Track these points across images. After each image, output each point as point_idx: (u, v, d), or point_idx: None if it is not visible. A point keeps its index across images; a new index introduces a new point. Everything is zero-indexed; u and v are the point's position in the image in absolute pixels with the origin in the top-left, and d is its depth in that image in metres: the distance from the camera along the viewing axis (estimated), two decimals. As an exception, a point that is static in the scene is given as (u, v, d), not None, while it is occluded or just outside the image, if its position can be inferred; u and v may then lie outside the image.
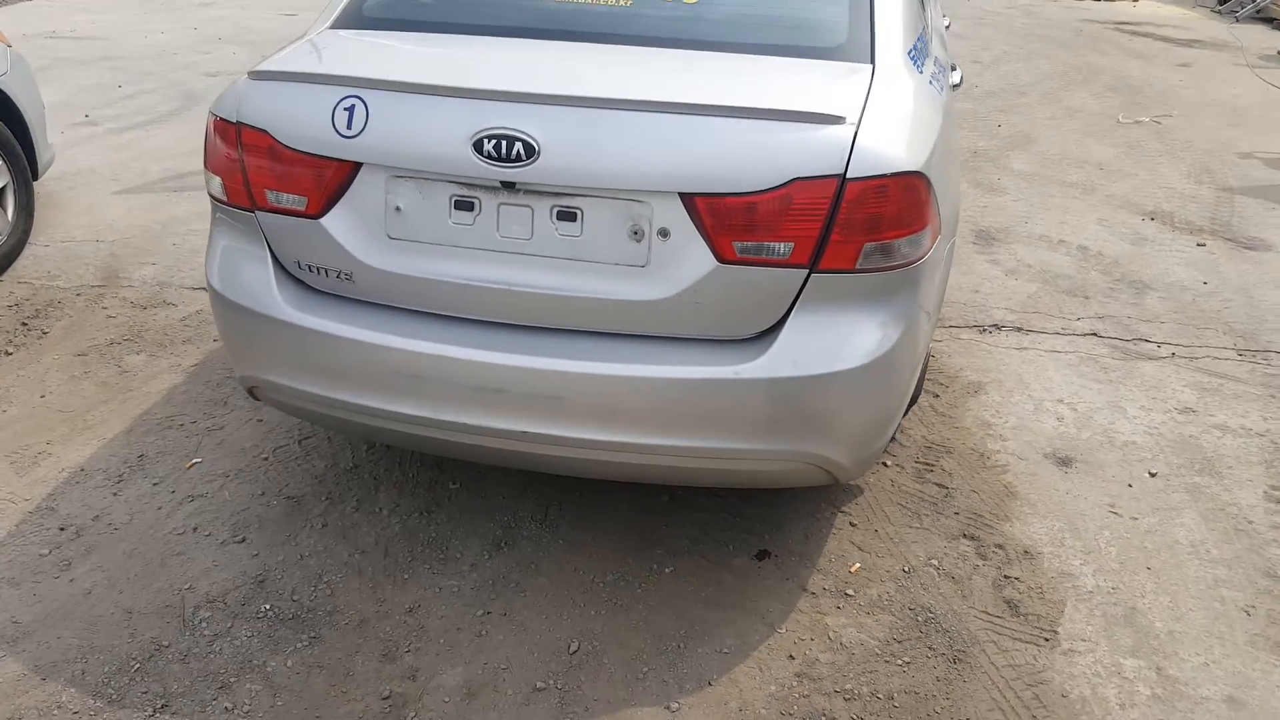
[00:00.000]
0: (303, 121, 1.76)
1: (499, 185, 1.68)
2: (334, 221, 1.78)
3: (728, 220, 1.62)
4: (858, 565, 2.08)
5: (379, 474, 2.35)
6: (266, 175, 1.80)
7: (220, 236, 1.96)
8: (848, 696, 1.78)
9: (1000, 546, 2.15)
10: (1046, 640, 1.91)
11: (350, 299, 1.84)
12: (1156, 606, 2.01)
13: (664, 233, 1.65)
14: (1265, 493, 2.37)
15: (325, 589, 1.98)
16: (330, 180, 1.76)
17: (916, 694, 1.78)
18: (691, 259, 1.65)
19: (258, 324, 1.86)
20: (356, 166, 1.73)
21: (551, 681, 1.80)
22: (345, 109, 1.72)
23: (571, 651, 1.85)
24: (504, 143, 1.62)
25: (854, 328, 1.69)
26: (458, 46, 1.96)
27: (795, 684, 1.79)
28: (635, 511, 2.21)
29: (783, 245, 1.62)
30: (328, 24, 2.08)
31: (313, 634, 1.87)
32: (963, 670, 1.84)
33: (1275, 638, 1.94)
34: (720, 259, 1.64)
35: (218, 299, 1.92)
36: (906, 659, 1.86)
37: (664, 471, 1.83)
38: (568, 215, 1.68)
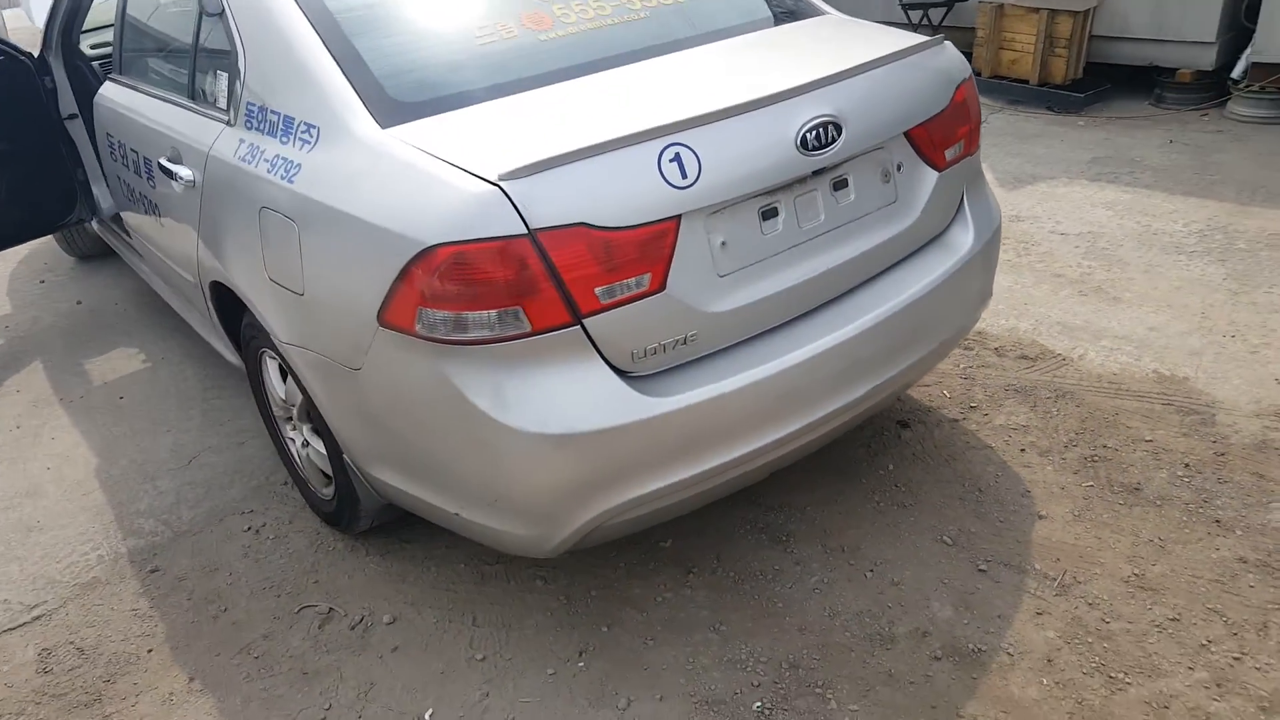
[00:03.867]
0: (628, 192, 1.60)
1: (805, 177, 1.82)
2: (677, 286, 1.68)
3: (935, 138, 2.06)
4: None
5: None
6: (592, 271, 1.59)
7: (498, 373, 1.62)
8: None
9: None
10: None
11: (686, 363, 1.77)
12: None
13: (899, 167, 2.02)
14: None
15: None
16: (667, 243, 1.65)
17: None
18: (922, 179, 2.06)
19: (612, 442, 1.66)
20: (679, 218, 1.67)
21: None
22: (671, 159, 1.63)
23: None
24: (821, 130, 1.78)
25: (990, 195, 2.33)
26: (619, 82, 1.92)
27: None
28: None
29: (961, 142, 2.14)
30: (432, 114, 1.79)
31: None
32: None
33: None
34: (938, 170, 2.08)
35: (540, 442, 1.62)
36: None
37: (909, 379, 2.21)
38: (841, 184, 1.92)
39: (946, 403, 2.73)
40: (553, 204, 1.56)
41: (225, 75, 2.14)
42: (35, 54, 3.52)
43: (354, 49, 1.91)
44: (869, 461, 2.50)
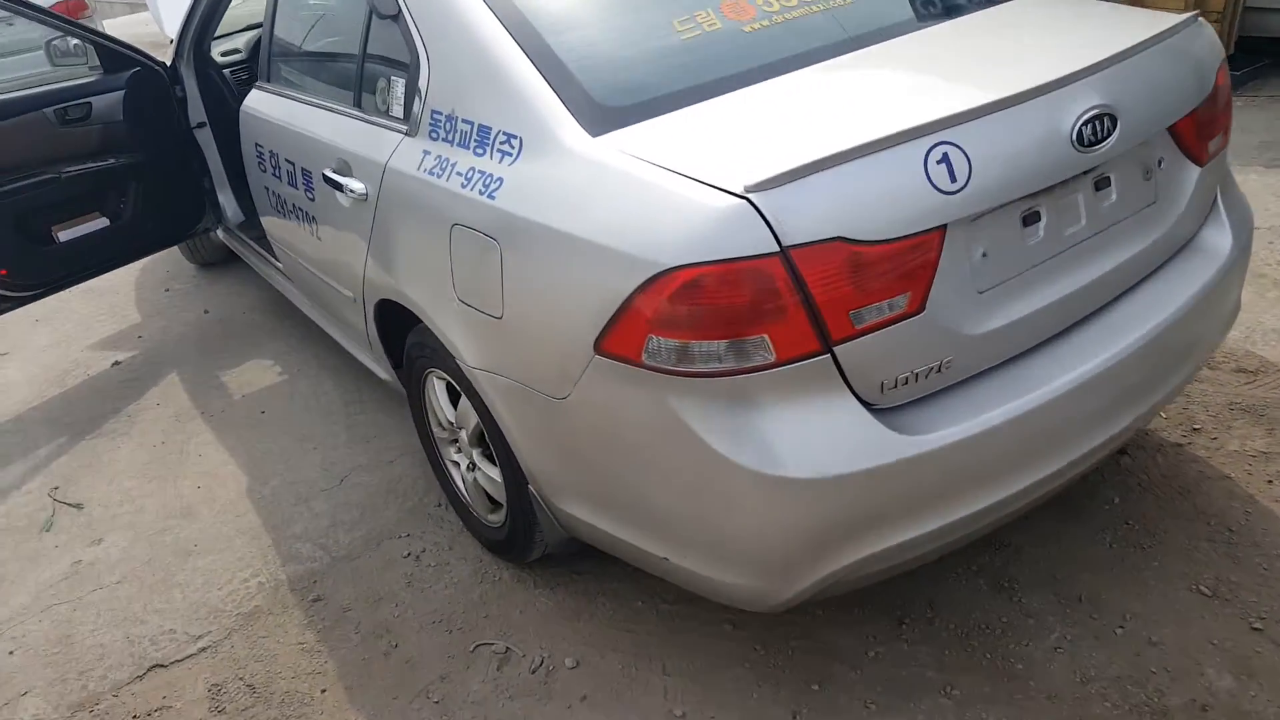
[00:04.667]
0: (891, 200, 1.42)
1: (1073, 177, 1.61)
2: (937, 306, 1.49)
3: (1198, 129, 1.82)
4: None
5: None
6: (847, 292, 1.41)
7: (734, 408, 1.45)
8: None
9: None
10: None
11: (935, 393, 1.57)
12: None
13: (1160, 162, 1.78)
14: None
15: None
16: (930, 257, 1.46)
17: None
18: (1184, 176, 1.82)
19: (865, 487, 1.47)
20: (944, 228, 1.47)
21: None
22: (939, 160, 1.44)
23: None
24: (1096, 123, 1.56)
25: (1241, 192, 2.07)
26: (847, 74, 1.74)
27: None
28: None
29: (1221, 133, 1.89)
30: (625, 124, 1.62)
31: None
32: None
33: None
34: (1200, 165, 1.84)
35: (782, 487, 1.44)
36: None
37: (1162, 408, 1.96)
38: (1103, 183, 1.69)
39: (1164, 425, 2.46)
40: (807, 217, 1.39)
41: (401, 82, 2.03)
42: (168, 62, 3.51)
43: (549, 49, 1.76)
44: (1088, 494, 2.26)
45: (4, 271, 3.18)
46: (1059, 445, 1.65)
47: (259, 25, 4.26)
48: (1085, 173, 1.64)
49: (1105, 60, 1.62)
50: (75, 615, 2.33)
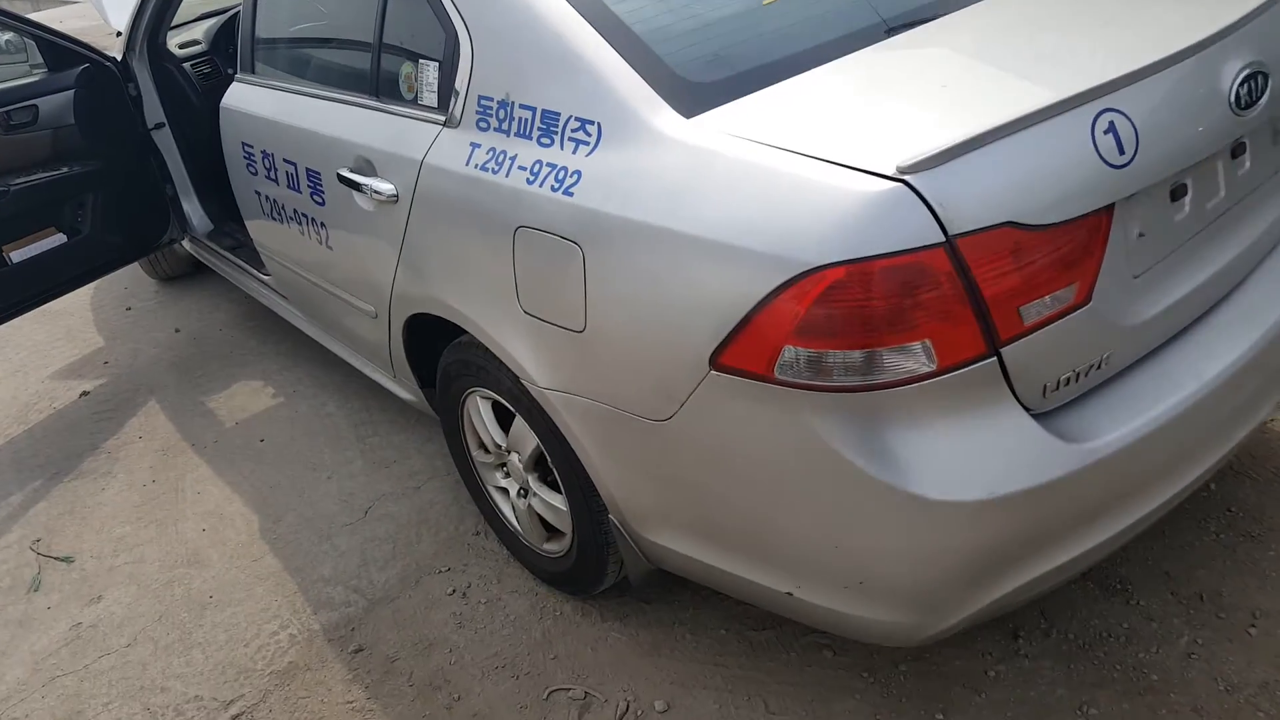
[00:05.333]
0: (1058, 177, 1.25)
1: (1224, 146, 1.46)
2: (1102, 295, 1.34)
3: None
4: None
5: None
6: (1015, 285, 1.25)
7: (884, 424, 1.28)
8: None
9: None
10: None
11: (1089, 392, 1.42)
12: None
13: (1289, 126, 1.65)
14: None
15: None
16: (1098, 241, 1.31)
17: None
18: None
19: (1036, 504, 1.31)
20: (1113, 208, 1.31)
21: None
22: (1105, 130, 1.27)
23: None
24: (1251, 83, 1.42)
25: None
26: (970, 34, 1.57)
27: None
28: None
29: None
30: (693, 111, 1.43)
31: None
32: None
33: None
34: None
35: (947, 512, 1.28)
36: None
37: None
38: (1239, 149, 1.55)
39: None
40: (973, 201, 1.21)
41: (433, 66, 1.80)
42: (118, 58, 3.20)
43: (618, 19, 1.56)
44: (1184, 480, 2.15)
45: None
46: (1213, 440, 1.52)
47: (217, 12, 3.95)
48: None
49: (1253, 11, 1.48)
50: (84, 687, 2.08)
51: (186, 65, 3.54)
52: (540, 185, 1.54)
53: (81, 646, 2.19)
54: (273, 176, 2.38)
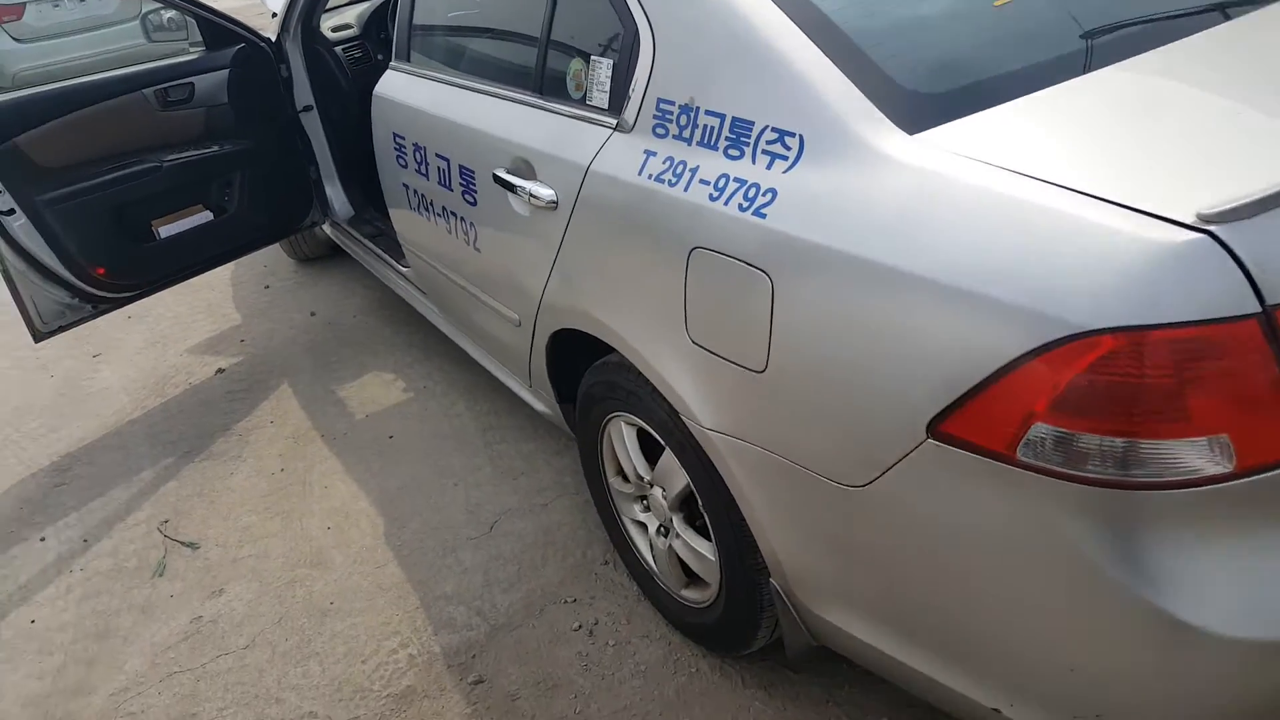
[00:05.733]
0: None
1: None
2: None
3: None
4: None
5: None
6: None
7: (1158, 534, 1.03)
8: None
9: None
10: None
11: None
12: None
13: None
14: None
15: None
16: None
17: None
18: None
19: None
20: None
21: None
22: None
23: None
24: None
25: None
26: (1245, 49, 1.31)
27: None
28: None
29: None
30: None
31: None
32: None
33: None
34: None
35: (1234, 651, 1.02)
36: None
37: None
38: None
39: None
40: (1297, 257, 0.96)
41: (607, 63, 1.64)
42: (272, 39, 3.19)
43: (826, 18, 1.36)
44: None
45: (101, 270, 2.90)
46: None
47: (366, -3, 3.93)
48: None
49: None
50: (200, 688, 2.03)
51: (338, 49, 3.51)
52: (725, 203, 1.36)
53: (200, 642, 2.15)
54: (423, 171, 2.27)
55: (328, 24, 3.67)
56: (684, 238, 1.43)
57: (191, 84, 2.98)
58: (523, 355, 2.16)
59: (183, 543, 2.47)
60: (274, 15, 3.49)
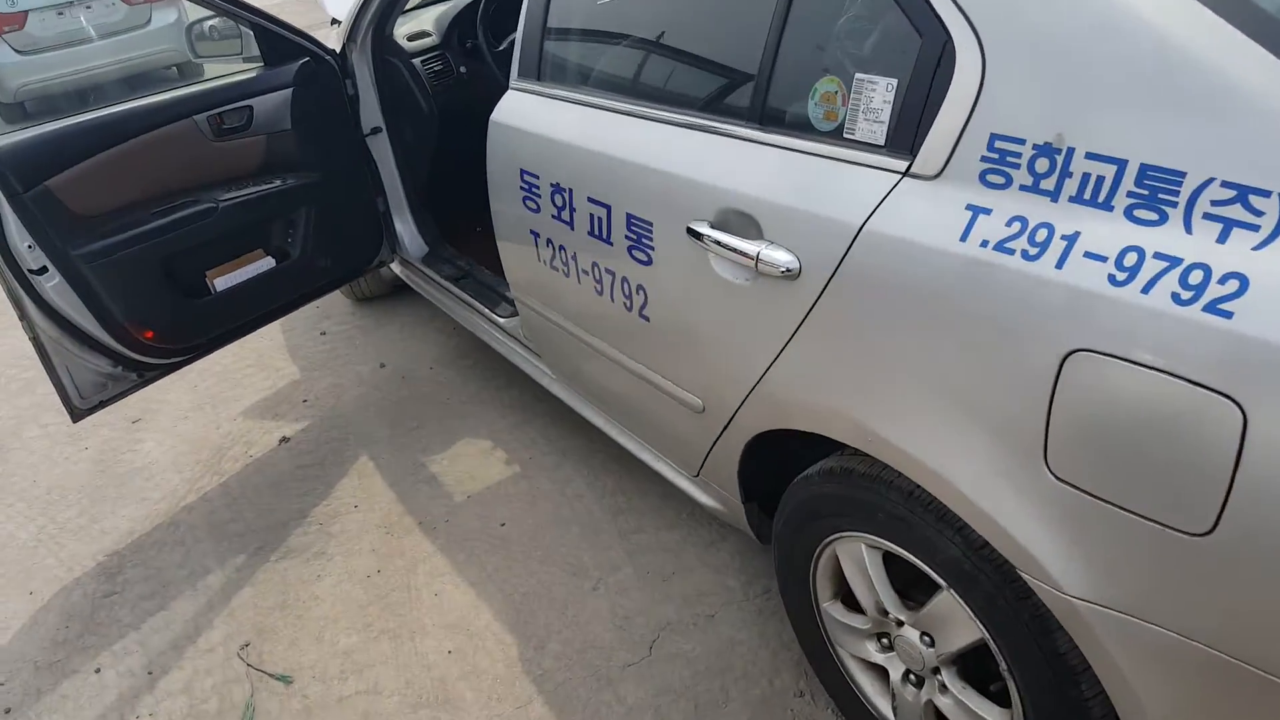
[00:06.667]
0: None
1: None
2: None
3: None
4: None
5: None
6: None
7: None
8: None
9: None
10: None
11: None
12: None
13: None
14: None
15: None
16: None
17: None
18: None
19: None
20: None
21: None
22: None
23: None
24: None
25: None
26: None
27: None
28: None
29: None
30: None
31: None
32: None
33: None
34: None
35: None
36: None
37: None
38: None
39: None
40: None
41: (886, 82, 1.22)
42: (337, 49, 2.78)
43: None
44: None
45: (150, 334, 2.50)
46: None
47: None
48: None
49: None
50: None
51: (416, 61, 3.11)
52: (1144, 290, 0.94)
53: (315, 819, 1.74)
54: (565, 219, 1.86)
55: (401, 31, 3.26)
56: (1056, 335, 1.01)
57: (250, 107, 2.57)
58: (699, 446, 1.75)
59: (272, 675, 2.06)
60: (333, 22, 3.09)
